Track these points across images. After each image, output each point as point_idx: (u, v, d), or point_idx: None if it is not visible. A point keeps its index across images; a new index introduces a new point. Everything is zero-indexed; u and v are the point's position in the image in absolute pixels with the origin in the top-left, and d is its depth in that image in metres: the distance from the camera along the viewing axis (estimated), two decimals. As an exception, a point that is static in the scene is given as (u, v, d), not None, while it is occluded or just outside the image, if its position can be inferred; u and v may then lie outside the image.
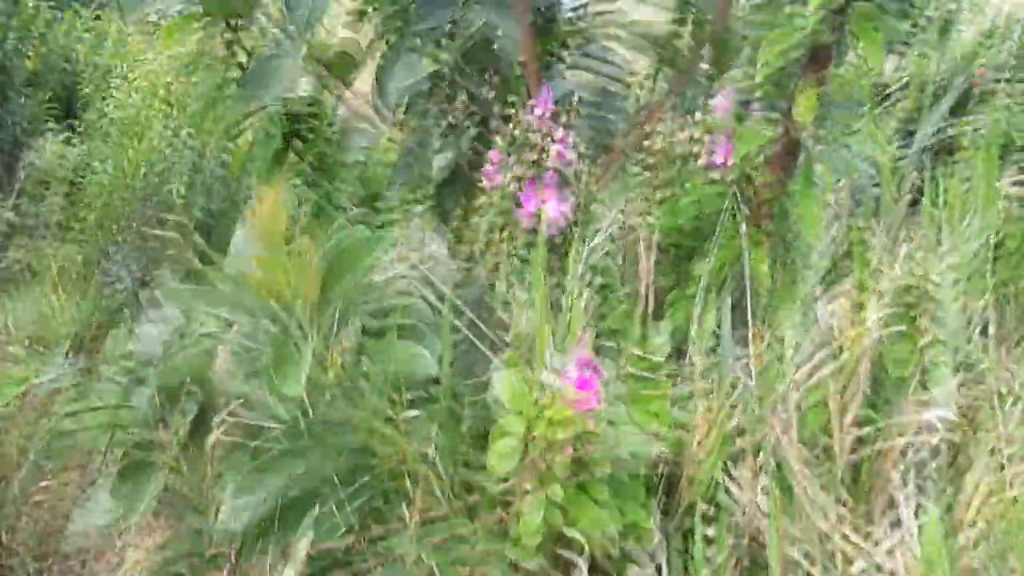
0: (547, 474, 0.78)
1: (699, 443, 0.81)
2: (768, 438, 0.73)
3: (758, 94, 0.91)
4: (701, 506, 0.81)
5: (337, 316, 0.82)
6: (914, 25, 2.96)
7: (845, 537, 0.76)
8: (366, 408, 0.80)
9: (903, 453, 0.79)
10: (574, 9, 1.34)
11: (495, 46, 1.15)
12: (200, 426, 0.89)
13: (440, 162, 1.18)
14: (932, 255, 1.01)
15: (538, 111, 0.96)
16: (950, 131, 1.60)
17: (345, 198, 1.28)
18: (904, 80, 2.44)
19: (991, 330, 1.10)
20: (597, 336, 0.98)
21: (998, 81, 1.92)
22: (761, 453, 0.78)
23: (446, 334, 0.91)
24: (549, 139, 0.96)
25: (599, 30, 1.34)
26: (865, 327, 0.80)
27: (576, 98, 1.13)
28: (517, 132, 0.97)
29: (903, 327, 0.84)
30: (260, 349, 0.81)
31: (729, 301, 0.98)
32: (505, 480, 0.78)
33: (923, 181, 1.38)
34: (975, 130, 1.42)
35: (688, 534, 0.83)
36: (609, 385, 0.87)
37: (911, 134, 1.85)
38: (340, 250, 0.82)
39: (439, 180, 1.19)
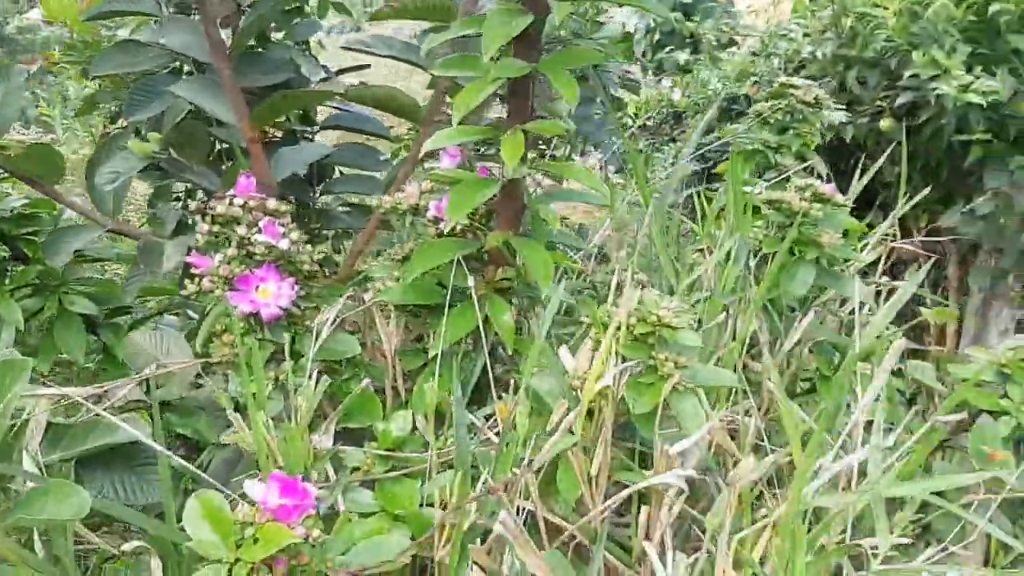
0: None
1: (441, 531, 0.73)
2: (502, 514, 0.66)
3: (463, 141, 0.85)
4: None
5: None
6: (695, 51, 3.09)
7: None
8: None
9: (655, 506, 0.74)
10: (324, 79, 1.27)
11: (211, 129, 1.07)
12: None
13: (171, 258, 1.07)
14: (673, 278, 0.98)
15: (238, 200, 0.88)
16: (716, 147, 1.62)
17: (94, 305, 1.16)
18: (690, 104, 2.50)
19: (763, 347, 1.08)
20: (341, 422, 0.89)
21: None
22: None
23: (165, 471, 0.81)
24: (255, 228, 0.88)
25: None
26: (602, 367, 0.74)
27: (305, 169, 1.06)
28: (219, 221, 0.88)
29: (643, 361, 0.79)
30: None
31: (481, 361, 0.91)
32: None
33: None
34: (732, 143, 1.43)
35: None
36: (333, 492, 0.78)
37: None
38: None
39: (173, 276, 1.09)
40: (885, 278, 1.31)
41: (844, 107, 2.25)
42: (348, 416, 0.88)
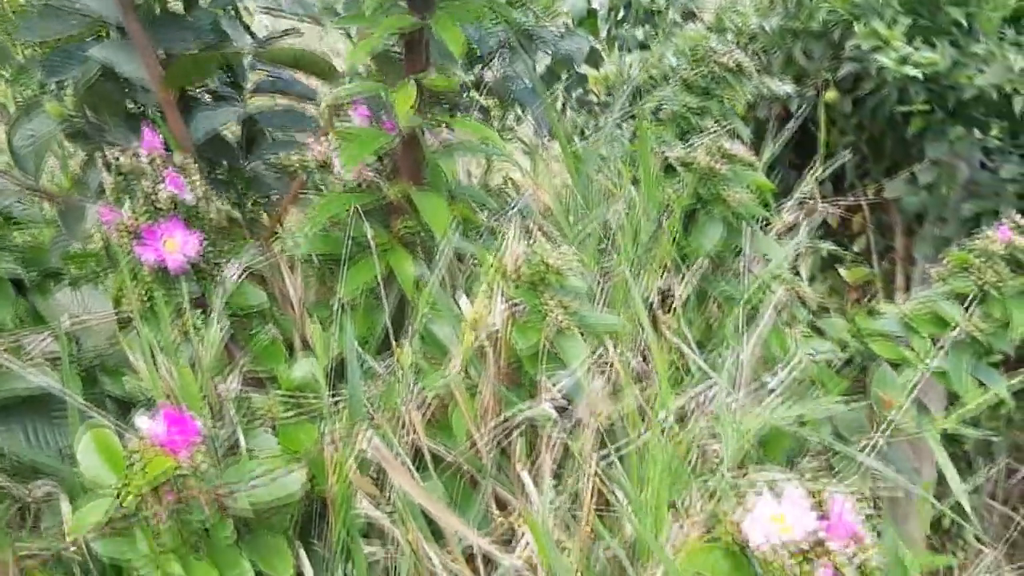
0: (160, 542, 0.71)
1: (333, 468, 0.76)
2: (375, 440, 0.69)
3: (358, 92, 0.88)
4: (343, 535, 0.75)
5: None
6: (655, 27, 3.11)
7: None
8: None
9: (531, 439, 0.77)
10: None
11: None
12: None
13: (92, 220, 1.09)
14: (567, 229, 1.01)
15: (144, 154, 0.90)
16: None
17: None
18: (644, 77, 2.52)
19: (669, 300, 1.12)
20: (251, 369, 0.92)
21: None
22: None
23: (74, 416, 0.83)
24: (161, 181, 0.90)
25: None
26: (482, 308, 0.77)
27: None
28: (124, 174, 0.90)
29: (531, 304, 0.82)
30: None
31: (386, 310, 0.94)
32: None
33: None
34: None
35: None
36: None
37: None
38: None
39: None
40: (806, 240, 1.35)
41: (792, 79, 2.29)
42: (255, 363, 0.91)
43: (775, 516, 0.58)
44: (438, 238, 0.86)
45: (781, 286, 0.88)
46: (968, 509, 1.50)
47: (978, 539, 2.75)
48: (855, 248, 2.62)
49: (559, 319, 0.81)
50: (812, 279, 2.60)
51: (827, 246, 1.33)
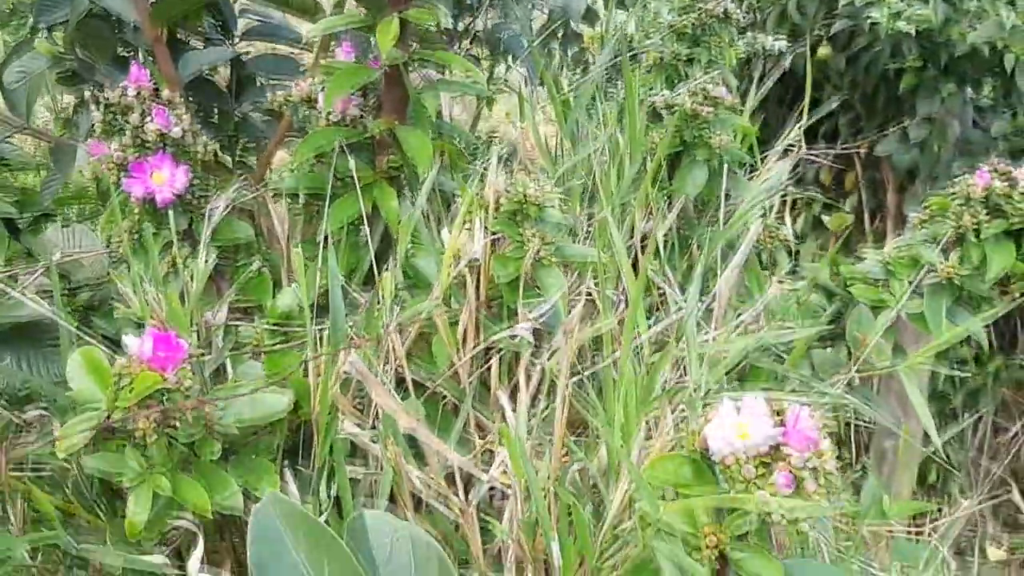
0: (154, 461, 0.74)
1: (317, 392, 0.78)
2: (353, 358, 0.71)
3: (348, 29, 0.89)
4: (326, 455, 0.78)
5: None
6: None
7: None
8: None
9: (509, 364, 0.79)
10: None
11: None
12: None
13: (83, 160, 1.11)
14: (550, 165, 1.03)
15: (131, 90, 0.91)
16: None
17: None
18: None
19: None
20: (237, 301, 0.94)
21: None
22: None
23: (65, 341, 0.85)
24: (148, 116, 0.91)
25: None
26: (458, 238, 0.79)
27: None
28: (112, 110, 0.91)
29: (510, 235, 0.84)
30: None
31: (371, 247, 0.96)
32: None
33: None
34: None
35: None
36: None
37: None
38: None
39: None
40: (790, 186, 1.36)
41: (786, 36, 2.29)
42: (242, 296, 0.93)
43: (736, 425, 0.60)
44: (421, 173, 0.87)
45: (758, 222, 0.89)
46: (940, 448, 1.53)
47: (962, 492, 2.79)
48: (847, 207, 2.63)
49: (538, 250, 0.83)
50: (803, 238, 2.62)
51: (811, 194, 1.34)
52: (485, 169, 0.96)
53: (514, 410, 0.74)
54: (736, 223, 0.88)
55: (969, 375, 2.67)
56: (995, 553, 2.72)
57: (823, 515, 0.54)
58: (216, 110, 1.32)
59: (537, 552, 0.69)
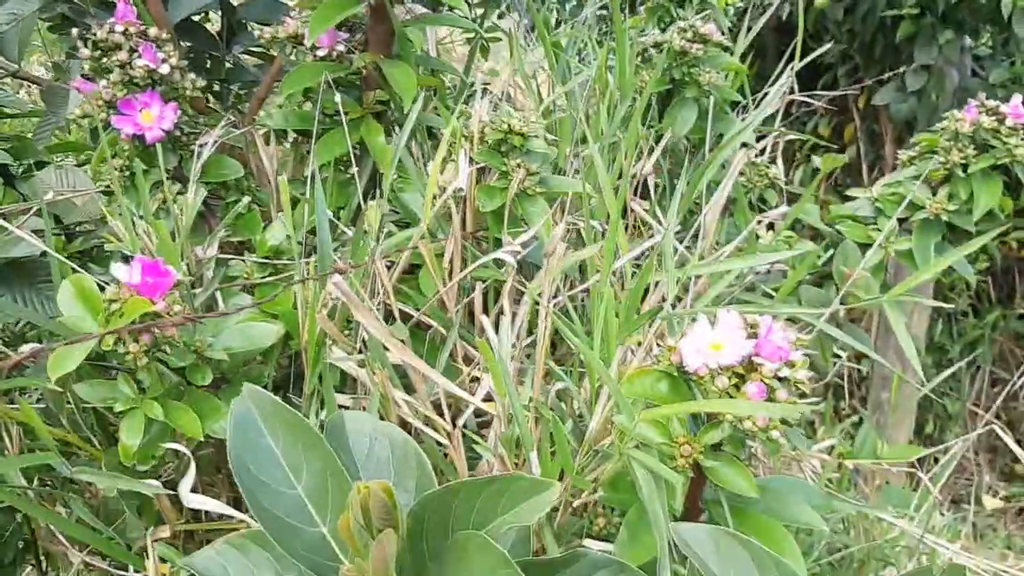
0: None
1: (305, 318, 0.80)
2: (335, 278, 0.72)
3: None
4: (315, 383, 0.79)
5: None
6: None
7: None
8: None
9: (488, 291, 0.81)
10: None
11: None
12: None
13: (76, 102, 1.11)
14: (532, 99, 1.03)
15: (119, 27, 0.92)
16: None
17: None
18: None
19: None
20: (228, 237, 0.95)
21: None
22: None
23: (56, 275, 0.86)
24: (135, 53, 0.92)
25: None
26: (439, 167, 0.80)
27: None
28: (100, 47, 0.92)
29: (495, 165, 0.85)
30: None
31: (361, 181, 0.97)
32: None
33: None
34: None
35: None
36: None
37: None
38: None
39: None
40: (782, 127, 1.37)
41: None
42: (233, 232, 0.94)
43: (710, 339, 0.61)
44: (406, 107, 0.88)
45: (741, 152, 0.90)
46: (927, 391, 1.54)
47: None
48: (846, 157, 2.63)
49: (522, 180, 0.84)
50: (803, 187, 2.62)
51: (806, 137, 1.33)
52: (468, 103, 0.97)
53: (498, 334, 0.75)
54: (717, 156, 0.88)
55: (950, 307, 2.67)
56: (991, 502, 2.75)
57: (793, 417, 0.55)
58: (209, 56, 1.32)
59: (520, 469, 0.71)
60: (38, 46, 1.88)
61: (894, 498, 1.70)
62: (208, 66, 1.33)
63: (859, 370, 2.41)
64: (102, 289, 0.76)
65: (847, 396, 2.98)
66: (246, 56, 1.34)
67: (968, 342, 2.74)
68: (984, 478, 3.00)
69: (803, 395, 0.60)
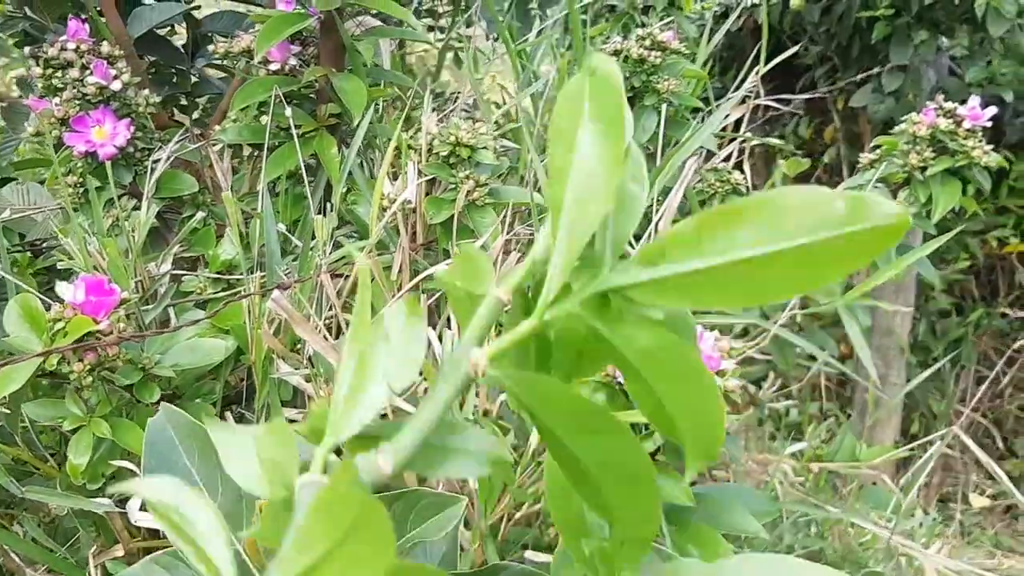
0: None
1: (252, 337, 0.80)
2: (275, 293, 0.72)
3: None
4: (265, 398, 0.79)
5: None
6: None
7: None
8: None
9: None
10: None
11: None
12: None
13: (34, 122, 1.11)
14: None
15: (71, 44, 0.92)
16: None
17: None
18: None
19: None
20: (183, 253, 0.96)
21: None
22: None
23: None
24: (87, 70, 0.92)
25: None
26: (383, 179, 0.80)
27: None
28: (52, 64, 0.92)
29: (443, 177, 0.85)
30: None
31: (316, 194, 0.97)
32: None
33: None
34: None
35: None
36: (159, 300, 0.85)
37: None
38: None
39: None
40: (748, 133, 1.37)
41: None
42: (187, 248, 0.95)
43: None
44: (355, 119, 0.88)
45: (692, 160, 0.90)
46: (889, 395, 1.54)
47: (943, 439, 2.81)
48: (826, 159, 2.63)
49: (471, 191, 0.84)
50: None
51: (772, 141, 1.34)
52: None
53: (441, 345, 0.75)
54: (666, 162, 0.89)
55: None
56: (978, 500, 2.75)
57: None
58: (175, 70, 1.33)
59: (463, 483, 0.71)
60: (17, 59, 1.89)
61: (874, 500, 1.70)
62: (175, 80, 1.33)
63: (843, 372, 2.41)
64: (50, 308, 0.76)
65: (835, 398, 2.98)
66: (211, 69, 1.34)
67: (952, 341, 2.74)
68: (971, 476, 3.00)
69: (735, 405, 0.61)
